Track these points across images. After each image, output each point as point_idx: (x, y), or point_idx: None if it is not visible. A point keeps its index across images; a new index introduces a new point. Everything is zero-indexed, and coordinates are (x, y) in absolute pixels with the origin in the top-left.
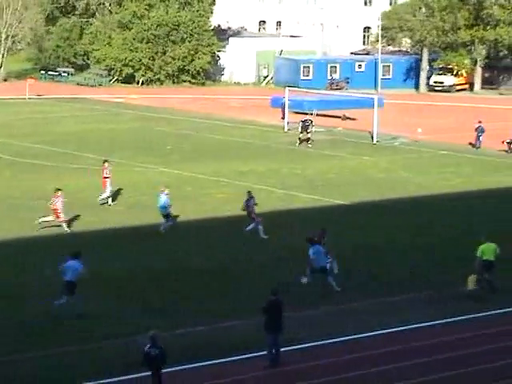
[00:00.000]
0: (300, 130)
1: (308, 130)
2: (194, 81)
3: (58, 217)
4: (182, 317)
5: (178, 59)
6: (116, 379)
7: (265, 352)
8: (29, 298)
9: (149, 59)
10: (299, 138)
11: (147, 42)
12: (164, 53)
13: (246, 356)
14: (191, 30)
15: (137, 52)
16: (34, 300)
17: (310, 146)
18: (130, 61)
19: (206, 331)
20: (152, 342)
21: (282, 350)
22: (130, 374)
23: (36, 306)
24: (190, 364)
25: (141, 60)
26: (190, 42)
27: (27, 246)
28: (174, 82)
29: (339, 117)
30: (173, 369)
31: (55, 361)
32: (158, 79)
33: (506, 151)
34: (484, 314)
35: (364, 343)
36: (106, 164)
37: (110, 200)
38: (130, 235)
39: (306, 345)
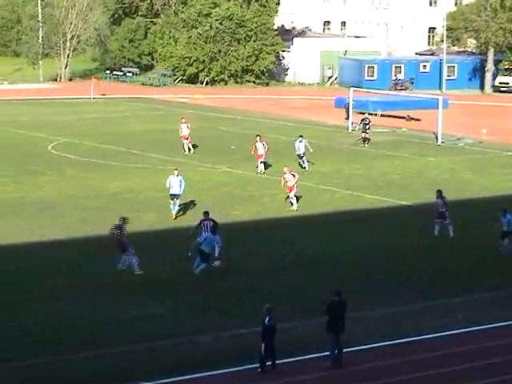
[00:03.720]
0: (361, 129)
1: (367, 129)
2: (257, 81)
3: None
4: (241, 317)
5: (242, 59)
6: (173, 379)
7: (327, 353)
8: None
9: (212, 59)
10: (362, 137)
11: (211, 42)
12: (227, 52)
13: (309, 356)
14: (255, 28)
15: (201, 51)
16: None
17: (366, 146)
18: (195, 61)
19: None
20: (269, 314)
21: (344, 350)
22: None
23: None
24: (249, 364)
25: (204, 61)
26: (254, 41)
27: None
28: (237, 82)
29: (403, 117)
30: (219, 371)
31: (110, 360)
32: (222, 79)
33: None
34: None
35: (426, 344)
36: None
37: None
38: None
39: (368, 346)
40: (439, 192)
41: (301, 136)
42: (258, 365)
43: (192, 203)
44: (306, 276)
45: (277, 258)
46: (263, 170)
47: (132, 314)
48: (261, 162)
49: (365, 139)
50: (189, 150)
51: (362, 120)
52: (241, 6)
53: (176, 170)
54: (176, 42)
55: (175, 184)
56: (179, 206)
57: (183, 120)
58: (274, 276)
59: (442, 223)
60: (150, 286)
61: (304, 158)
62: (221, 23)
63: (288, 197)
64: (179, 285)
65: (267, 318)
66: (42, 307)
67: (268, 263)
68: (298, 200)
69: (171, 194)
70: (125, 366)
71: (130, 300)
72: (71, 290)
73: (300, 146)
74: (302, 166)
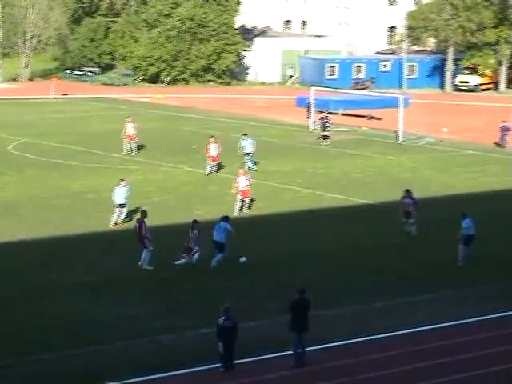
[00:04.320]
0: (320, 127)
1: (327, 128)
2: (219, 80)
3: None
4: (208, 315)
5: (203, 58)
6: (140, 379)
7: (291, 351)
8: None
9: (173, 58)
10: (321, 136)
11: (172, 41)
12: (188, 51)
13: (274, 355)
14: (217, 28)
15: (162, 50)
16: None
17: (328, 143)
18: (156, 60)
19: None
20: (226, 314)
21: (309, 349)
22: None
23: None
24: (211, 364)
25: (165, 60)
26: (215, 40)
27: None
28: (199, 82)
29: (364, 116)
30: (196, 369)
31: (75, 361)
32: (184, 79)
33: (499, 145)
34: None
35: (387, 343)
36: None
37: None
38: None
39: (332, 344)
40: (407, 191)
41: (245, 134)
42: (220, 364)
43: (156, 203)
44: (270, 276)
45: (238, 258)
46: (211, 172)
47: (97, 315)
48: (216, 165)
49: (324, 137)
50: (131, 150)
51: (321, 118)
52: (202, 6)
53: (123, 180)
54: (137, 42)
55: (119, 194)
56: (125, 214)
57: (129, 119)
58: (238, 276)
59: (407, 222)
60: (114, 286)
61: (249, 158)
62: (182, 23)
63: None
64: (145, 285)
65: (223, 318)
66: (12, 307)
67: (230, 263)
68: (243, 205)
69: (114, 204)
70: (91, 367)
71: (95, 300)
72: (39, 290)
73: (245, 145)
74: (249, 167)
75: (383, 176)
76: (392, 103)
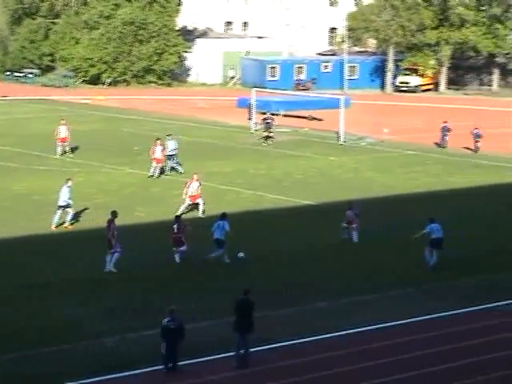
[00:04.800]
0: (263, 128)
1: (270, 129)
2: (160, 81)
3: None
4: (153, 316)
5: (144, 59)
6: (97, 379)
7: (233, 352)
8: None
9: (114, 60)
10: (263, 137)
11: (113, 42)
12: (129, 53)
13: (218, 356)
14: (158, 30)
15: (103, 52)
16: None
17: (270, 143)
18: (97, 61)
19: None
20: (170, 316)
21: (253, 349)
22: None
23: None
24: (154, 366)
25: (107, 62)
26: (156, 41)
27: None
28: (140, 83)
29: (306, 117)
30: (138, 371)
31: (24, 363)
32: (125, 80)
33: (472, 150)
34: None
35: (332, 343)
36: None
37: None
38: (95, 237)
39: (277, 344)
40: (350, 204)
41: (169, 135)
42: (162, 366)
43: (98, 205)
44: (216, 276)
45: (183, 261)
46: (155, 175)
47: (45, 317)
48: (160, 167)
49: (267, 137)
50: (64, 152)
51: (265, 119)
52: (143, 9)
53: (70, 180)
54: (77, 43)
55: (64, 194)
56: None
57: (63, 122)
58: (184, 278)
59: (348, 228)
60: (65, 288)
61: (173, 159)
62: (122, 25)
63: (196, 204)
64: (94, 287)
65: (167, 319)
66: None
67: (173, 265)
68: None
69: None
70: (37, 369)
71: (45, 301)
72: None
73: (169, 146)
74: (173, 168)
75: (324, 177)
76: (333, 104)
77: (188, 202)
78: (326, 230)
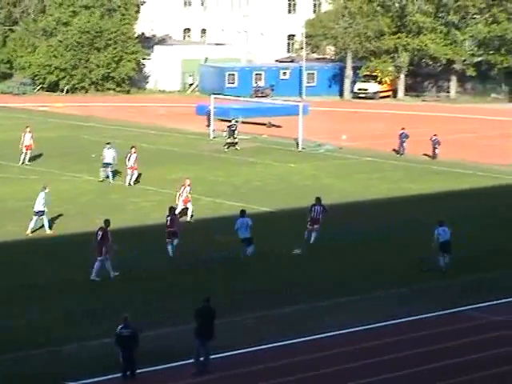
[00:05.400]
0: (227, 134)
1: (235, 135)
2: (118, 89)
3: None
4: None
5: (102, 66)
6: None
7: (193, 359)
8: None
9: (73, 67)
10: (227, 143)
11: (71, 50)
12: (87, 60)
13: (178, 363)
14: (115, 37)
15: (61, 59)
16: None
17: (238, 148)
18: (55, 69)
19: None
20: (124, 323)
21: (213, 357)
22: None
23: None
24: (113, 374)
25: (66, 69)
26: (114, 49)
27: None
28: (98, 90)
29: (264, 124)
30: (97, 379)
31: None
32: (83, 87)
33: (430, 157)
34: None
35: (293, 349)
36: None
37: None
38: (51, 244)
39: (237, 352)
40: (318, 199)
41: (108, 143)
42: (121, 374)
43: (57, 212)
44: (175, 283)
45: (144, 266)
46: (131, 183)
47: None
48: (132, 175)
49: (231, 144)
50: (26, 160)
51: (229, 126)
52: (101, 16)
53: (46, 187)
54: (35, 50)
55: (40, 201)
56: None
57: (28, 129)
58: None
59: (313, 228)
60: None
61: (109, 169)
62: (79, 33)
63: (186, 208)
64: (54, 292)
65: (121, 327)
66: None
67: (131, 271)
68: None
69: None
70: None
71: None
72: None
73: (107, 154)
74: (106, 177)
75: (283, 183)
76: (292, 111)
77: (181, 206)
78: (281, 237)
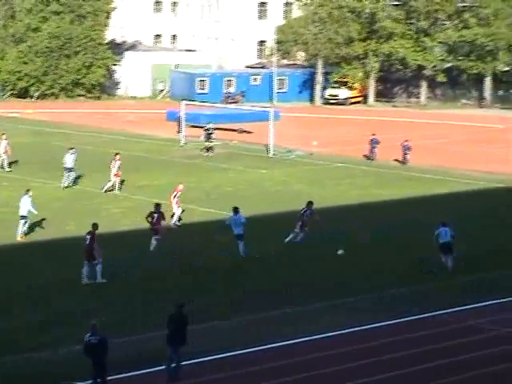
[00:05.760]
0: (204, 138)
1: (211, 139)
2: (89, 95)
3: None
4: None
5: (72, 72)
6: None
7: (164, 366)
8: None
9: (43, 73)
10: (205, 147)
11: (41, 56)
12: (57, 66)
13: (151, 370)
14: (85, 43)
15: (31, 65)
16: None
17: (211, 154)
18: (25, 75)
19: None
20: (92, 331)
21: (185, 363)
22: None
23: None
24: (82, 382)
25: (35, 75)
26: (84, 55)
27: None
28: (68, 96)
29: (235, 130)
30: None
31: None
32: (53, 93)
33: (401, 162)
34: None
35: (266, 354)
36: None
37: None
38: (25, 249)
39: (209, 358)
40: (311, 203)
41: (71, 148)
42: (91, 382)
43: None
44: (151, 289)
45: (115, 273)
46: (107, 188)
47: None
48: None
49: (208, 148)
50: (3, 166)
51: (206, 130)
52: (71, 22)
53: (29, 190)
54: (5, 56)
55: (24, 205)
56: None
57: (4, 136)
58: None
59: (302, 231)
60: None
61: (70, 174)
62: (49, 39)
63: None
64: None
65: (89, 334)
66: None
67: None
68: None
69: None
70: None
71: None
72: None
73: (67, 159)
74: (68, 184)
75: (255, 189)
76: (262, 117)
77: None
78: (252, 242)
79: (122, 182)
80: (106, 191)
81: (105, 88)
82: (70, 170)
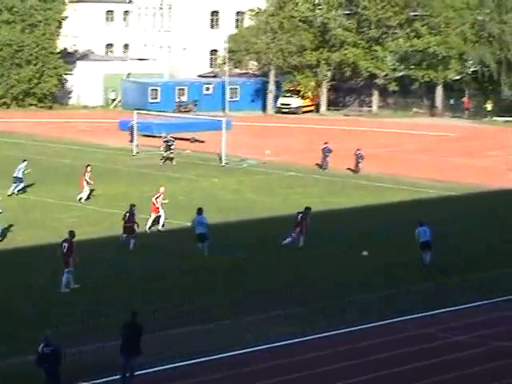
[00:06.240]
0: (164, 149)
1: (171, 149)
2: (40, 104)
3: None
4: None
5: (24, 82)
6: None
7: (118, 376)
8: None
9: None
10: (163, 157)
11: None
12: (9, 76)
13: (105, 380)
14: (36, 53)
15: None
16: None
17: (174, 164)
18: None
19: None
20: (45, 341)
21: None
22: None
23: None
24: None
25: None
26: (35, 64)
27: None
28: (20, 106)
29: (188, 139)
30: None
31: None
32: (4, 103)
33: (353, 171)
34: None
35: (215, 364)
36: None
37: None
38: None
39: (161, 367)
40: (309, 209)
41: (25, 160)
42: None
43: None
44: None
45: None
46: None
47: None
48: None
49: (167, 158)
50: None
51: (166, 141)
52: (22, 31)
53: None
54: None
55: None
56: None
57: None
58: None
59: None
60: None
61: (17, 184)
62: (2, 46)
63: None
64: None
65: (42, 345)
66: None
67: (56, 289)
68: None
69: None
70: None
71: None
72: None
73: (20, 168)
74: (18, 191)
75: (207, 198)
76: (215, 126)
77: (162, 213)
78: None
79: (91, 191)
80: (82, 199)
81: (57, 97)
82: (18, 179)
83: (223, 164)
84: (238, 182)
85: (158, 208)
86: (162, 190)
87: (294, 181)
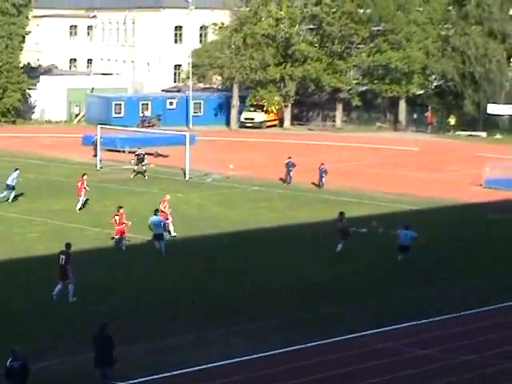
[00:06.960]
0: (135, 162)
1: (143, 163)
2: (4, 119)
3: None
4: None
5: None
6: None
7: None
8: None
9: None
10: (134, 170)
11: None
12: None
13: None
14: (1, 67)
15: None
16: None
17: (146, 177)
18: None
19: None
20: (13, 356)
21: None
22: None
23: None
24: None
25: None
26: None
27: None
28: None
29: (152, 154)
30: None
31: None
32: None
33: (317, 185)
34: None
35: (188, 378)
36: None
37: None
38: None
39: (137, 380)
40: (341, 214)
41: (17, 169)
42: None
43: None
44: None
45: (34, 298)
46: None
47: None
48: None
49: (139, 172)
50: None
51: (137, 155)
52: None
53: None
54: None
55: None
56: None
57: None
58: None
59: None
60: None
61: (10, 191)
62: None
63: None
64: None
65: (10, 359)
66: None
67: (28, 302)
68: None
69: None
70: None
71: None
72: None
73: (13, 177)
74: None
75: (172, 213)
76: (179, 140)
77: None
78: (168, 264)
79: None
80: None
81: (20, 112)
82: (9, 187)
83: (187, 179)
84: (202, 196)
85: (167, 214)
86: (167, 197)
87: (258, 195)
